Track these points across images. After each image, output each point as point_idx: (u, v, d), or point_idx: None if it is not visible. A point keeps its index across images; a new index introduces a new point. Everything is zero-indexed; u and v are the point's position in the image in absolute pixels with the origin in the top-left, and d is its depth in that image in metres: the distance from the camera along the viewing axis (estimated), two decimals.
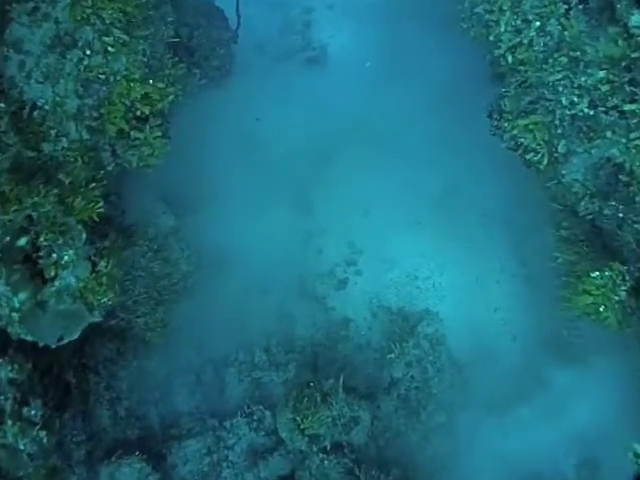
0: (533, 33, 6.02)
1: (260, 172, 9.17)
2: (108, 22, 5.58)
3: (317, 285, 9.34)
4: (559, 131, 6.01)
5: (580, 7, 5.73)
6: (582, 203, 6.15)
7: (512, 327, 8.85)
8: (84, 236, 5.62)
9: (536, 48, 5.98)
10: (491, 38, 6.33)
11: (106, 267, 5.72)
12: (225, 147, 8.96)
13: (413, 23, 11.10)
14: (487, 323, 8.91)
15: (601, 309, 6.39)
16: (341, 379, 8.16)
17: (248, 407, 8.47)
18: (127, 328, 7.67)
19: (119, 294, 5.97)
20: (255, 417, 8.43)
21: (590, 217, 6.44)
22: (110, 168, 5.97)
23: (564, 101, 5.96)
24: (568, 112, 5.96)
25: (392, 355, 8.64)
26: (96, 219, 5.73)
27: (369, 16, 12.09)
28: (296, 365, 8.94)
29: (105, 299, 5.79)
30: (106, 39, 5.65)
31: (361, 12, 12.20)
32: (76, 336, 5.80)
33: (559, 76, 5.90)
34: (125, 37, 5.64)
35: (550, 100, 6.10)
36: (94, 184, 5.78)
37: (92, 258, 5.74)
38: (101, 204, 5.71)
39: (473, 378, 8.72)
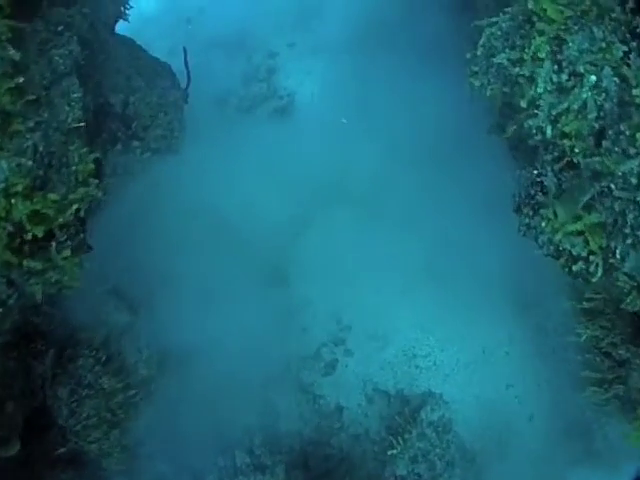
0: (587, 93, 4.02)
1: (227, 247, 8.01)
2: None
3: (302, 371, 8.16)
4: (622, 235, 4.12)
5: None
6: (628, 298, 4.67)
7: (528, 406, 7.68)
8: None
9: (590, 116, 4.00)
10: (523, 104, 4.42)
11: None
12: (182, 224, 7.79)
13: (390, 57, 10.13)
14: (499, 402, 7.74)
15: None
16: None
17: None
18: (81, 453, 6.41)
19: None
20: None
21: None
22: (12, 302, 4.68)
23: None
24: None
25: (394, 451, 7.45)
26: None
27: (338, 53, 11.10)
28: (284, 467, 7.71)
29: None
30: None
31: (328, 49, 11.23)
32: None
33: (635, 163, 3.89)
34: None
35: (618, 198, 4.10)
36: None
37: None
38: None
39: (486, 469, 7.54)
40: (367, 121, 9.25)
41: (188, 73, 8.84)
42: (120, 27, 8.46)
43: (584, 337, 6.18)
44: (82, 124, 4.84)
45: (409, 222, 8.18)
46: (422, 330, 8.03)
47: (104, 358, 6.19)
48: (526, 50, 4.29)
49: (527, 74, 4.31)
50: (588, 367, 6.40)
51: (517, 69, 4.39)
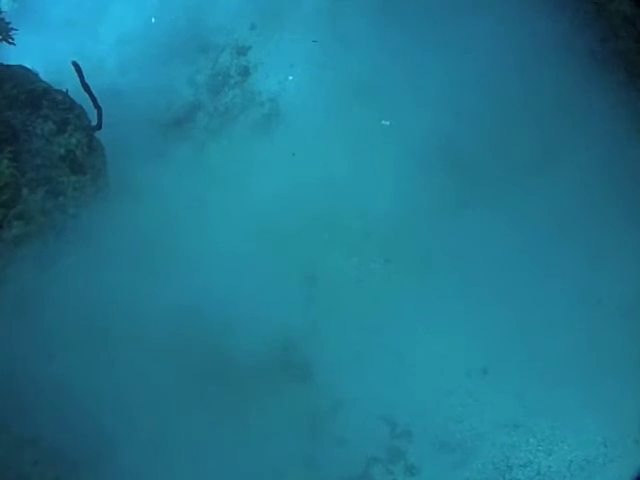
0: None
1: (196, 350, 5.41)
2: None
3: None
4: None
5: None
6: None
7: None
8: None
9: None
10: None
11: None
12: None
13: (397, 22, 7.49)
14: None
15: None
16: None
17: None
18: None
19: None
20: None
21: None
22: None
23: None
24: None
25: None
26: None
27: (322, 27, 8.43)
28: None
29: None
30: None
31: (307, 25, 8.55)
32: None
33: None
34: None
35: None
36: None
37: None
38: None
39: None
40: (384, 118, 6.60)
41: (93, 99, 6.14)
42: None
43: None
44: None
45: (463, 278, 5.56)
46: (516, 428, 5.46)
47: None
48: None
49: None
50: None
51: None
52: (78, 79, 5.95)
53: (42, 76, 6.68)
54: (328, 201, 6.39)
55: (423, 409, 5.64)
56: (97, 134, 6.10)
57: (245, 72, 8.68)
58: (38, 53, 8.16)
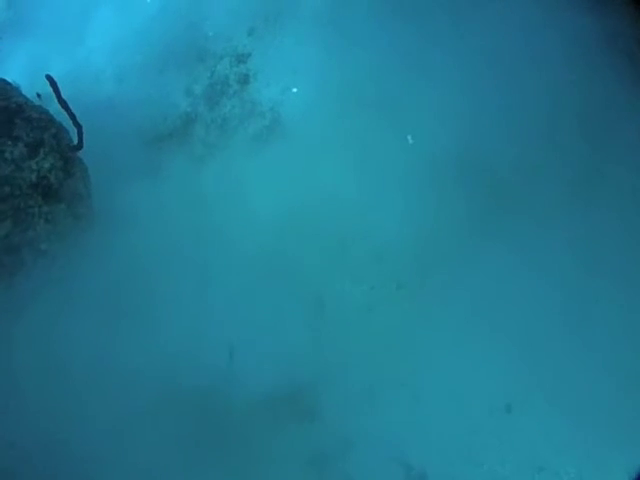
0: None
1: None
2: None
3: None
4: None
5: None
6: None
7: None
8: None
9: None
10: None
11: None
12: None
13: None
14: None
15: None
16: None
17: None
18: None
19: None
20: None
21: None
22: None
23: None
24: None
25: None
26: None
27: (326, 28, 7.93)
28: None
29: None
30: None
31: (310, 26, 8.04)
32: None
33: None
34: None
35: None
36: None
37: None
38: None
39: None
40: (403, 133, 6.09)
41: (72, 116, 5.64)
42: None
43: None
44: None
45: (483, 309, 5.07)
46: (540, 471, 4.96)
47: None
48: None
49: None
50: None
51: None
52: (54, 95, 5.44)
53: (26, 89, 6.23)
54: (335, 222, 5.92)
55: (440, 450, 5.13)
56: (80, 154, 5.61)
57: (245, 80, 8.21)
58: (24, 63, 7.74)
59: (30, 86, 6.65)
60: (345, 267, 5.86)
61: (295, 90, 7.69)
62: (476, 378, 5.07)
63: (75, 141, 5.56)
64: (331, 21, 8.05)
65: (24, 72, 7.51)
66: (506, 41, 5.75)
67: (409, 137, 5.81)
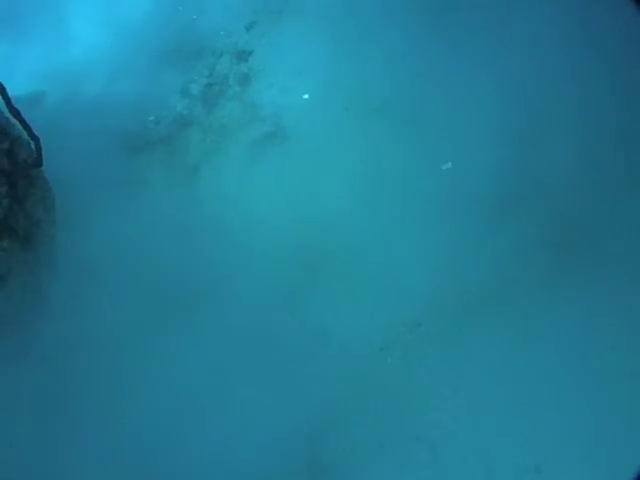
0: None
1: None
2: None
3: None
4: None
5: None
6: None
7: None
8: None
9: None
10: None
11: None
12: None
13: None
14: None
15: None
16: None
17: None
18: None
19: None
20: None
21: None
22: None
23: None
24: None
25: None
26: None
27: (338, 28, 7.21)
28: None
29: None
30: None
31: (319, 23, 7.32)
32: None
33: None
34: None
35: None
36: None
37: None
38: None
39: None
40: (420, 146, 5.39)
41: (26, 127, 4.79)
42: None
43: None
44: None
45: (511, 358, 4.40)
46: None
47: None
48: None
49: None
50: None
51: None
52: (4, 102, 4.65)
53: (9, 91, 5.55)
54: (346, 246, 5.27)
55: None
56: (42, 171, 4.82)
57: (245, 81, 7.52)
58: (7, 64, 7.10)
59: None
60: (355, 297, 5.21)
61: (306, 97, 6.97)
62: (503, 434, 4.42)
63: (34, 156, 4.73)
64: (340, 16, 7.34)
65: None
66: (548, 44, 5.04)
67: (449, 164, 5.07)
